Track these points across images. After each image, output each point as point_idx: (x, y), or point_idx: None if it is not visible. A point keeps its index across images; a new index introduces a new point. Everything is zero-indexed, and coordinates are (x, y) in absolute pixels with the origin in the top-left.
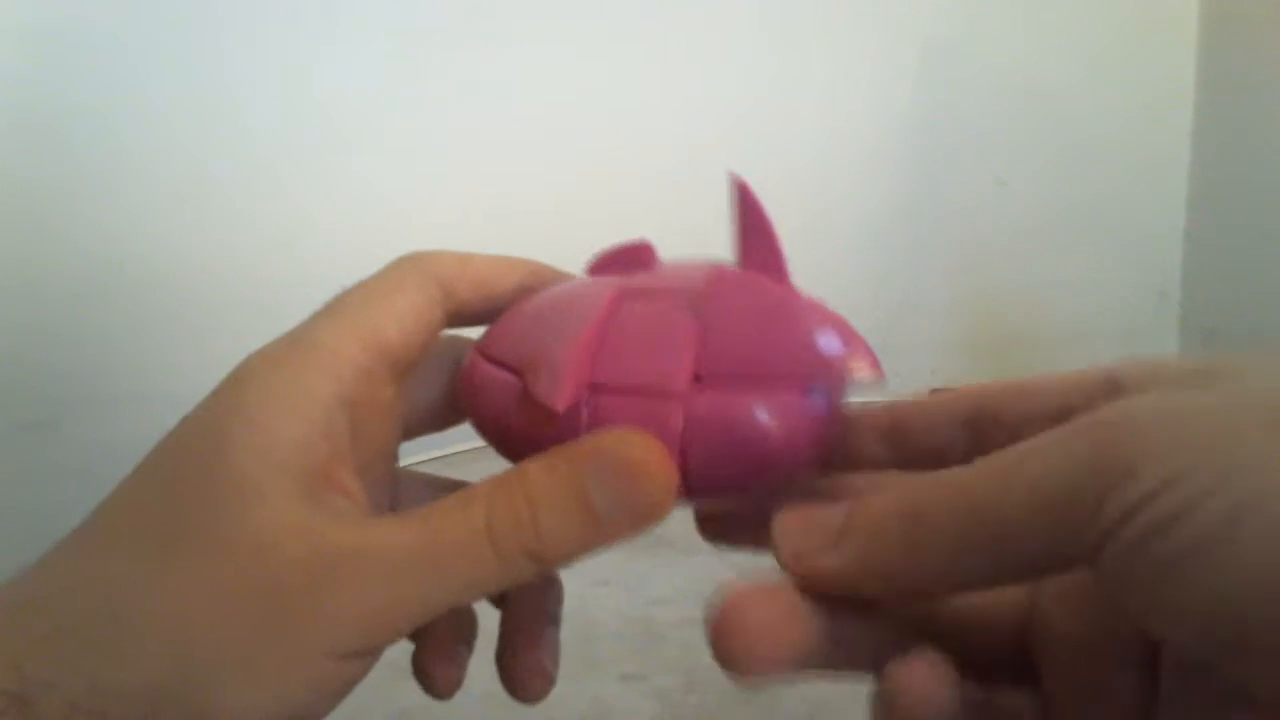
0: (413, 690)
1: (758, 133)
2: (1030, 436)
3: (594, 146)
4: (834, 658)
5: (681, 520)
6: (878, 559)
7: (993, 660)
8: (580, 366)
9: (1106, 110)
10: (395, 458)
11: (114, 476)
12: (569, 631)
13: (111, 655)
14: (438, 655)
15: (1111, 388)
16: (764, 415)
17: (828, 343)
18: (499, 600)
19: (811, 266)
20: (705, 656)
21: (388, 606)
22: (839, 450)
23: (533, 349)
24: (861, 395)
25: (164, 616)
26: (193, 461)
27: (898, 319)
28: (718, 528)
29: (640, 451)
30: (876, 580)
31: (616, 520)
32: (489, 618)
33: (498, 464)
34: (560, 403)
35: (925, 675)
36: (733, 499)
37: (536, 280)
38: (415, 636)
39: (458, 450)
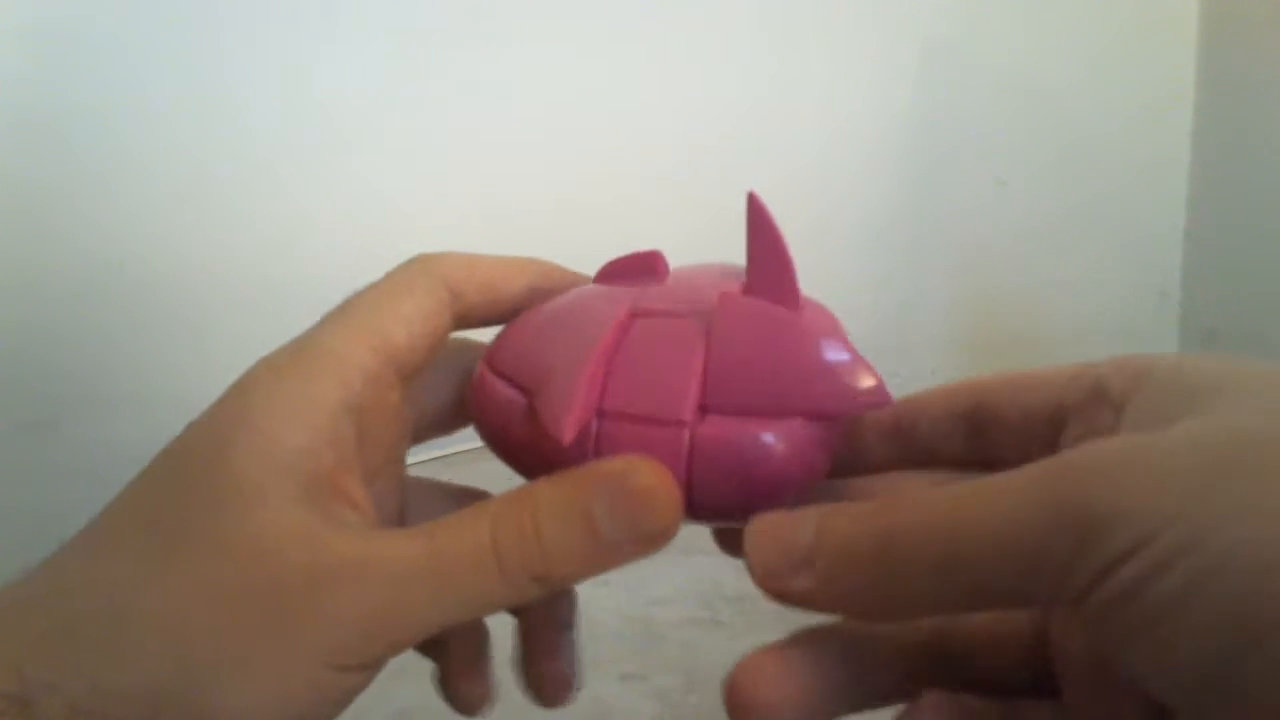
0: (412, 690)
1: (758, 133)
2: (1027, 435)
3: (594, 146)
4: (855, 699)
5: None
6: (846, 585)
7: (1012, 674)
8: (587, 396)
9: (1106, 110)
10: (403, 462)
11: (114, 476)
12: None
13: (112, 656)
14: (464, 675)
15: (1098, 393)
16: (769, 446)
17: (834, 375)
18: (514, 609)
19: (812, 267)
20: (705, 656)
21: (389, 618)
22: (843, 453)
23: (540, 371)
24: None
25: (164, 617)
26: (196, 466)
27: (898, 319)
28: (736, 540)
29: (648, 477)
30: (846, 604)
31: (621, 544)
32: (495, 620)
33: (499, 465)
34: (566, 436)
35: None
36: (738, 521)
37: (546, 280)
38: (438, 658)
39: (459, 450)
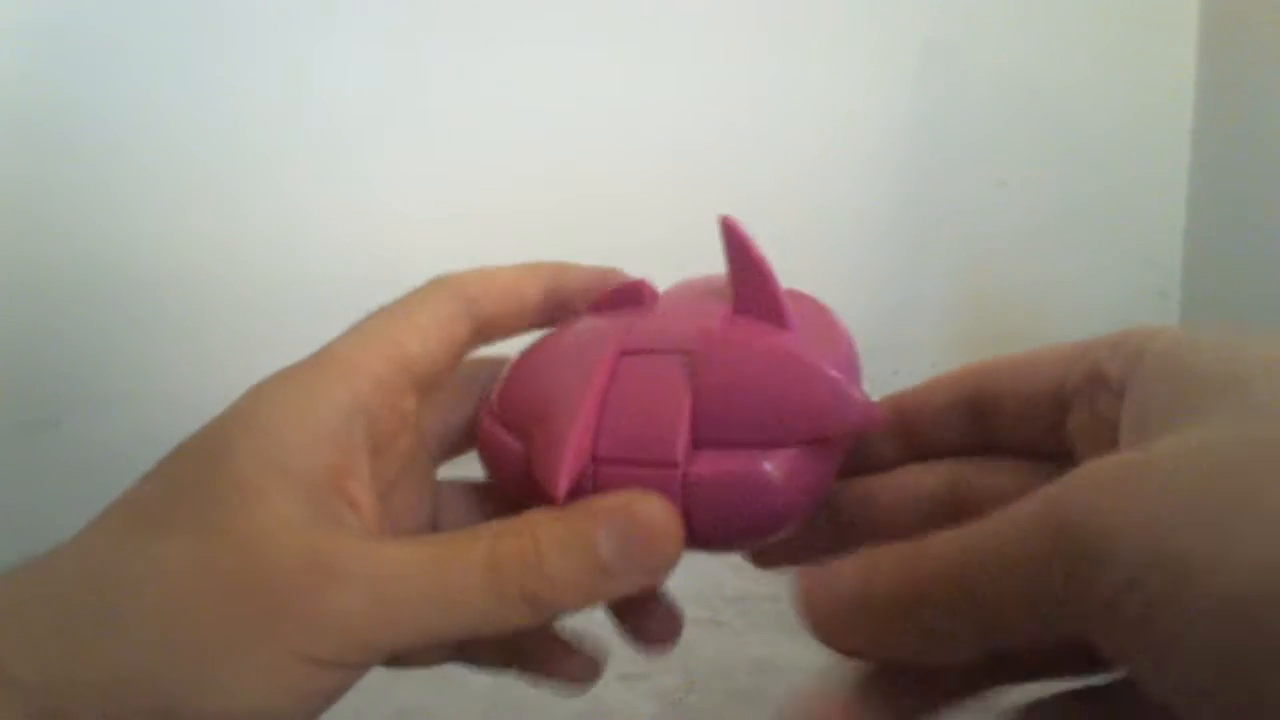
0: (412, 690)
1: (758, 133)
2: (1029, 419)
3: (594, 146)
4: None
5: None
6: (891, 641)
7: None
8: (579, 449)
9: (1106, 110)
10: (429, 470)
11: (114, 476)
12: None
13: (91, 631)
14: (555, 658)
15: (1096, 377)
16: (763, 478)
17: (822, 403)
18: (501, 635)
19: (812, 266)
20: (705, 656)
21: (376, 620)
22: (850, 453)
23: (533, 421)
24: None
25: (148, 597)
26: (197, 466)
27: (898, 318)
28: (768, 558)
29: (652, 509)
30: (896, 654)
31: (623, 574)
32: None
33: None
34: (560, 493)
35: None
36: (745, 549)
37: (562, 280)
38: (526, 661)
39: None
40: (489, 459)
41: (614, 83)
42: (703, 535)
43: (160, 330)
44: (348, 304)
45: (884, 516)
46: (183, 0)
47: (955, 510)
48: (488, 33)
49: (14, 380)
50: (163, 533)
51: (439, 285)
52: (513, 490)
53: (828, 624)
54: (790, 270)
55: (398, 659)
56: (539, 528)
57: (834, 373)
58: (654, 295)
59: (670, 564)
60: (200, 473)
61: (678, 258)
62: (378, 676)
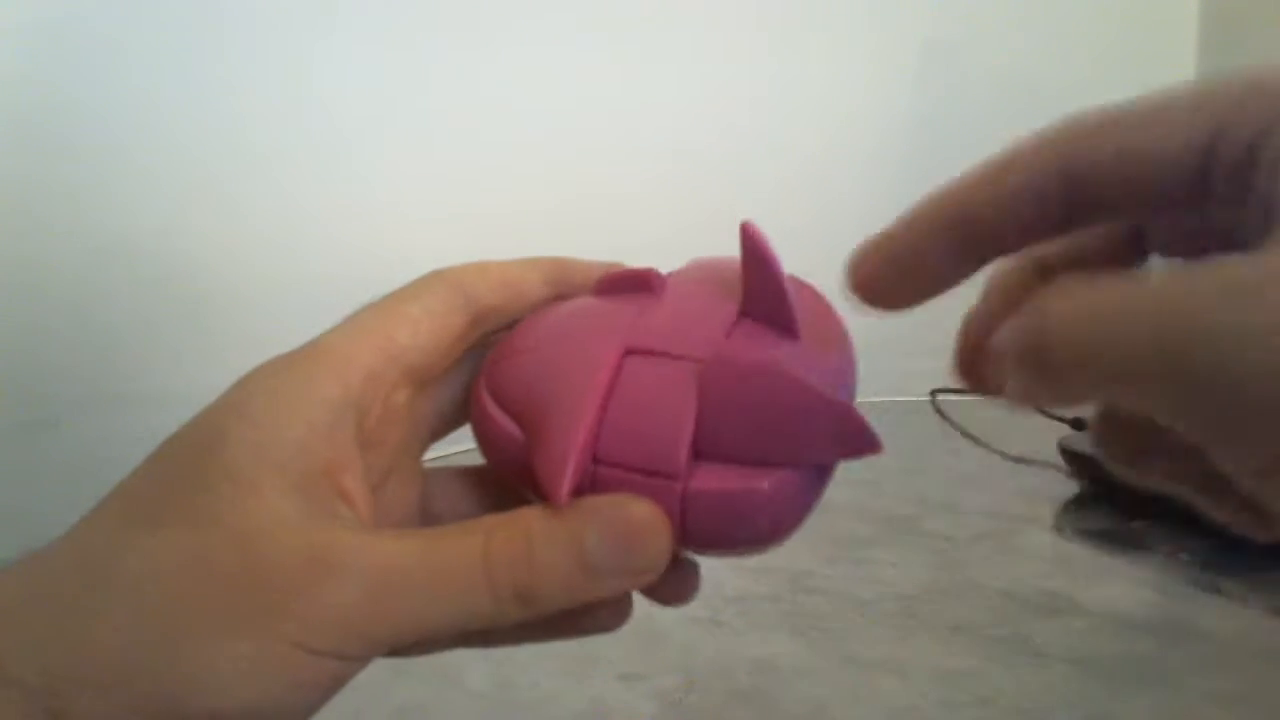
0: (412, 689)
1: (758, 133)
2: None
3: (594, 146)
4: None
5: None
6: (1024, 390)
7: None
8: (582, 452)
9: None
10: (418, 462)
11: (114, 476)
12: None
13: (86, 620)
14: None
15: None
16: (760, 499)
17: (827, 431)
18: (492, 629)
19: (812, 266)
20: (705, 656)
21: (375, 615)
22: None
23: (537, 414)
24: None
25: (142, 584)
26: (191, 455)
27: (897, 319)
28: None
29: (642, 514)
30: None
31: (609, 575)
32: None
33: None
34: (562, 499)
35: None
36: (730, 556)
37: (562, 274)
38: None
39: (459, 450)
40: (485, 441)
41: (614, 83)
42: (694, 542)
43: (160, 330)
44: (348, 304)
45: None
46: (183, 0)
47: None
48: (488, 33)
49: (14, 380)
50: (157, 526)
51: (433, 278)
52: (508, 476)
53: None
54: (790, 270)
55: (399, 649)
56: (532, 525)
57: (841, 401)
58: (662, 283)
59: (658, 567)
60: (193, 465)
61: (678, 257)
62: (377, 676)
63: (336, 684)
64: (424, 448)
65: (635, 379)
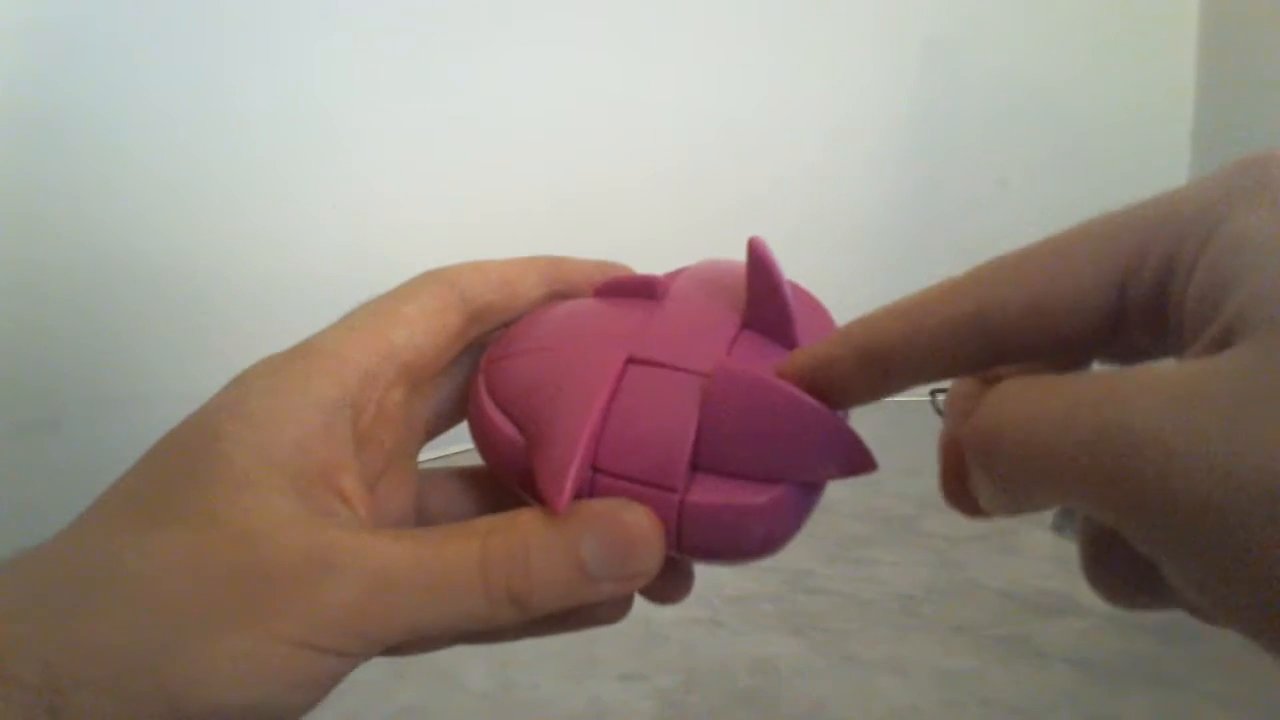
0: (413, 689)
1: (758, 132)
2: (1063, 336)
3: (594, 146)
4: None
5: None
6: (985, 496)
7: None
8: (583, 461)
9: (1107, 110)
10: (414, 461)
11: (114, 476)
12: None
13: (84, 616)
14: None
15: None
16: (755, 515)
17: (825, 451)
18: (486, 632)
19: (812, 266)
20: (705, 656)
21: (372, 614)
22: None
23: (538, 421)
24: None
25: (141, 581)
26: (187, 454)
27: None
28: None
29: (638, 521)
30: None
31: (603, 579)
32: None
33: None
34: (561, 509)
35: None
36: (722, 565)
37: (558, 272)
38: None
39: (456, 450)
40: (483, 441)
41: (614, 83)
42: (688, 550)
43: (160, 331)
44: (347, 304)
45: None
46: (183, 0)
47: None
48: (487, 33)
49: (14, 380)
50: (155, 524)
51: (429, 277)
52: (506, 478)
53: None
54: (790, 270)
55: (397, 648)
56: (529, 529)
57: (838, 420)
58: (665, 289)
59: (650, 573)
60: (190, 464)
61: (677, 257)
62: (378, 677)
63: (333, 681)
64: (419, 447)
65: (637, 389)
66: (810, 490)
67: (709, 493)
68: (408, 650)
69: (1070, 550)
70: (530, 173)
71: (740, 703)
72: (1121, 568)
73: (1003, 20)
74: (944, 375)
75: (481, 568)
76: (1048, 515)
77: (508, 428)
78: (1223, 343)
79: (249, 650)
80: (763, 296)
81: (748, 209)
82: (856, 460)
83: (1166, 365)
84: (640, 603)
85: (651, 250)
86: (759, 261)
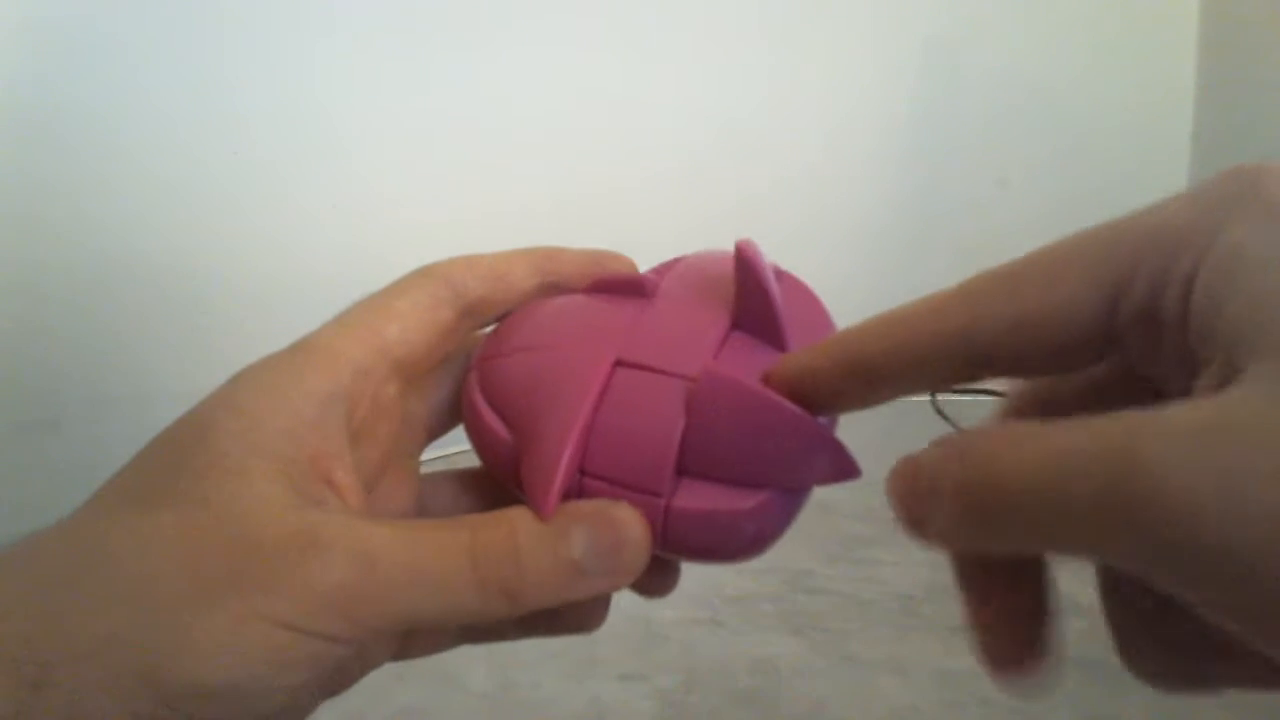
0: (412, 690)
1: (758, 132)
2: (1046, 355)
3: (594, 146)
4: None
5: None
6: (962, 534)
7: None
8: (569, 466)
9: (1107, 110)
10: (414, 459)
11: None
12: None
13: (69, 594)
14: (557, 615)
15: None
16: (740, 519)
17: (810, 458)
18: (474, 628)
19: (812, 266)
20: (705, 656)
21: (359, 596)
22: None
23: (527, 422)
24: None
25: (130, 561)
26: (181, 445)
27: None
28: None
29: (625, 518)
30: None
31: (592, 574)
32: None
33: None
34: (548, 514)
35: None
36: (706, 564)
37: (548, 263)
38: (529, 627)
39: (457, 451)
40: (476, 440)
41: (614, 82)
42: (673, 551)
43: (160, 331)
44: (348, 304)
45: None
46: (183, 0)
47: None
48: (487, 33)
49: (14, 381)
50: (144, 508)
51: (421, 273)
52: (498, 475)
53: (908, 516)
54: (790, 270)
55: (401, 652)
56: (518, 523)
57: (824, 431)
58: (655, 287)
59: (637, 571)
60: (182, 454)
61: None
62: (379, 678)
63: (318, 665)
64: (421, 447)
65: (624, 394)
66: (795, 495)
67: (694, 498)
68: (408, 651)
69: None
70: (530, 173)
71: (740, 703)
72: (1161, 631)
73: (1003, 20)
74: (932, 388)
75: (471, 557)
76: None
77: (499, 427)
78: (1232, 367)
79: (232, 628)
80: (751, 300)
81: (748, 209)
82: (840, 467)
83: (1176, 407)
84: (640, 603)
85: (652, 250)
86: (746, 266)
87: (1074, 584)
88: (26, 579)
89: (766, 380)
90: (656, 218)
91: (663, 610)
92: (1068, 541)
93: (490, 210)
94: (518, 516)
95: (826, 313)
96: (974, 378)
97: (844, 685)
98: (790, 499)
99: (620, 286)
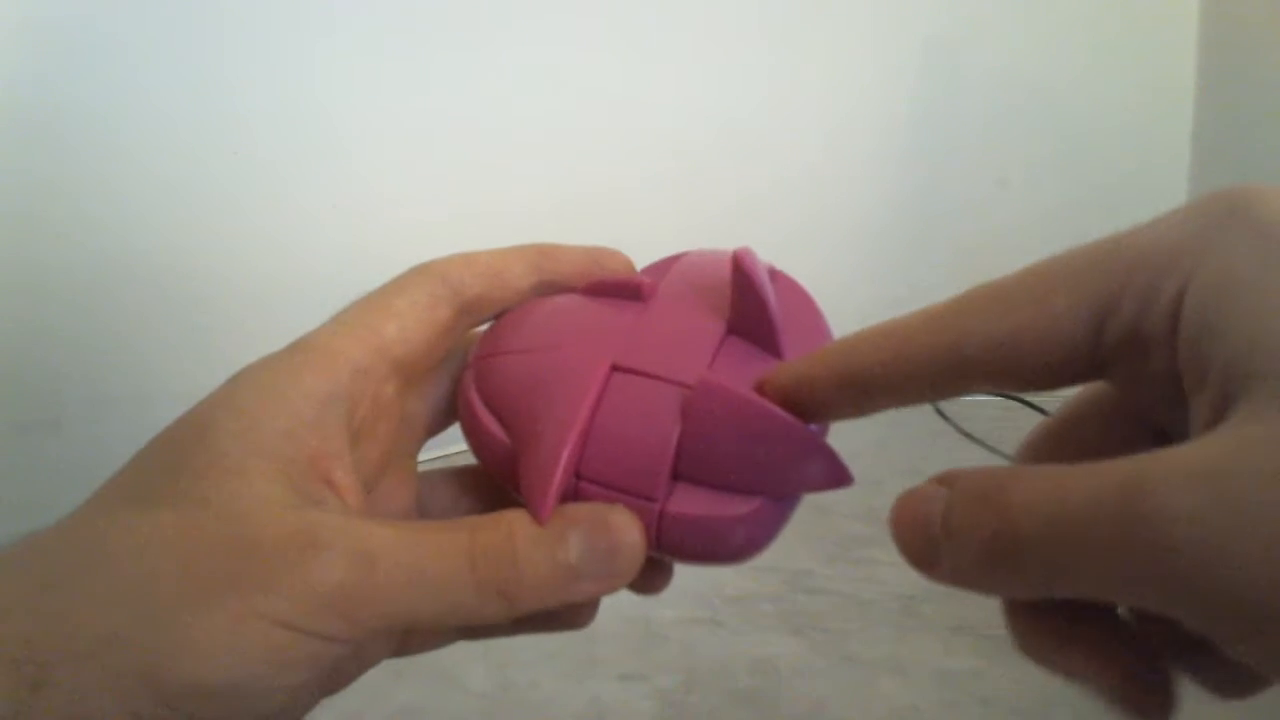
0: (412, 689)
1: (758, 132)
2: (1038, 375)
3: (594, 146)
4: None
5: None
6: (971, 578)
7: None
8: (566, 470)
9: (1107, 109)
10: (413, 458)
11: None
12: (568, 632)
13: (68, 592)
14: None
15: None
16: (733, 524)
17: (804, 467)
18: (470, 628)
19: (812, 266)
20: (705, 656)
21: (357, 595)
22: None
23: (523, 425)
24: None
25: (129, 559)
26: (180, 445)
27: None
28: None
29: (621, 521)
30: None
31: (587, 577)
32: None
33: None
34: (544, 518)
35: None
36: (699, 566)
37: (545, 260)
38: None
39: (455, 450)
40: (472, 440)
41: (614, 82)
42: (667, 553)
43: (160, 331)
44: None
45: None
46: (183, 0)
47: None
48: (487, 33)
49: (14, 380)
50: (143, 507)
51: (418, 271)
52: (494, 473)
53: (914, 555)
54: (790, 270)
55: (400, 649)
56: (515, 525)
57: (816, 439)
58: (652, 290)
59: (632, 574)
60: (181, 454)
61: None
62: (378, 677)
63: (317, 665)
64: (418, 446)
65: (620, 399)
66: (787, 502)
67: (688, 503)
68: (406, 648)
69: None
70: (530, 173)
71: (740, 703)
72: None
73: (1003, 20)
74: (924, 400)
75: (470, 558)
76: None
77: (495, 428)
78: (1228, 393)
79: (231, 627)
80: (747, 310)
81: (748, 209)
82: (833, 475)
83: (1184, 448)
84: (640, 603)
85: (651, 250)
86: (744, 278)
87: None
88: (26, 579)
89: (761, 388)
90: (656, 218)
91: (662, 610)
92: (1087, 588)
93: (490, 210)
94: (516, 519)
95: (821, 315)
96: (966, 390)
97: (844, 685)
98: (782, 505)
99: (617, 289)
